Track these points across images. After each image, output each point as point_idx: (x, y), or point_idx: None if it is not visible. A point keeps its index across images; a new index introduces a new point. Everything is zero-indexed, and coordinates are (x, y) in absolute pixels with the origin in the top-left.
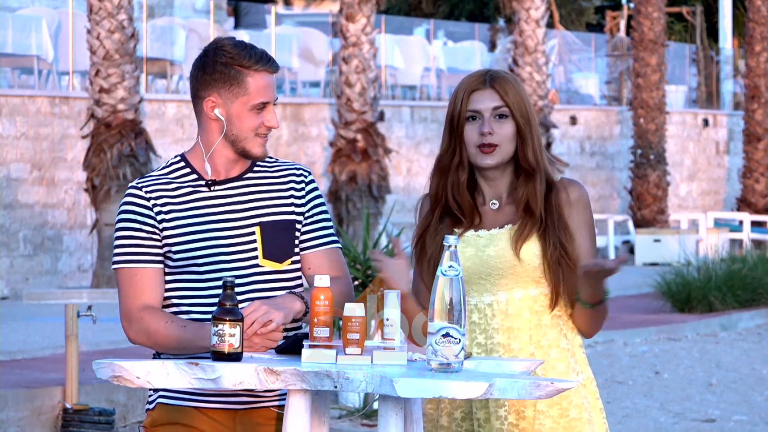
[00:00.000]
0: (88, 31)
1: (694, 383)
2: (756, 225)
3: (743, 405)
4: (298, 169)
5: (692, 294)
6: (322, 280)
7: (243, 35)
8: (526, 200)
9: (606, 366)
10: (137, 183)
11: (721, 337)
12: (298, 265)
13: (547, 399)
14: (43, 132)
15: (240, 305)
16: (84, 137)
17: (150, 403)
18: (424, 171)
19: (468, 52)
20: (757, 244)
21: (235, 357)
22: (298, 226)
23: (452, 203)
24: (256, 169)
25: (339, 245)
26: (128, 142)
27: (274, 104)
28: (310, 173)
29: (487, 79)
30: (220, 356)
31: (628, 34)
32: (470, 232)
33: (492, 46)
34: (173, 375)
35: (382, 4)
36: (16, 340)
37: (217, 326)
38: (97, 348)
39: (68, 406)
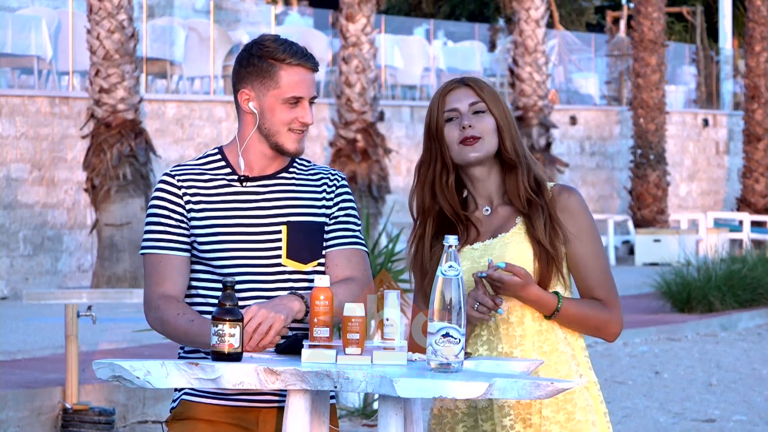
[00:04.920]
0: (88, 31)
1: (694, 383)
2: (756, 225)
3: (743, 405)
4: (332, 173)
5: (692, 294)
6: (321, 280)
7: (243, 35)
8: (522, 202)
9: (606, 366)
10: (171, 171)
11: (721, 337)
12: (323, 268)
13: (553, 405)
14: (43, 132)
15: (254, 302)
16: (84, 137)
17: (174, 401)
18: None
19: (468, 52)
20: (757, 244)
21: (235, 357)
22: (327, 228)
23: (446, 207)
24: (291, 169)
25: (363, 247)
26: (128, 142)
27: (312, 102)
28: (344, 178)
29: (460, 80)
30: (220, 356)
31: (628, 34)
32: (466, 248)
33: (492, 46)
34: (173, 375)
35: (382, 4)
36: (16, 340)
37: (216, 326)
38: (97, 348)
39: (68, 406)
